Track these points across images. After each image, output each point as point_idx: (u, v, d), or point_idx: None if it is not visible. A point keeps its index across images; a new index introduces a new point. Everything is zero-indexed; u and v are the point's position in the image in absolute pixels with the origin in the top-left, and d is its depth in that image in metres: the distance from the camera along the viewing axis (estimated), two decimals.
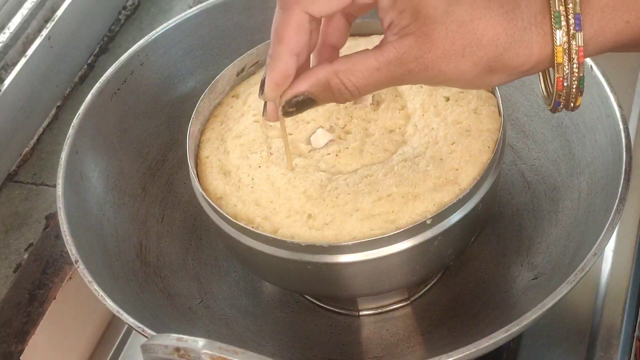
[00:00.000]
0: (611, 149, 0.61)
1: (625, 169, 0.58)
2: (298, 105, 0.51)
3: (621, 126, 0.60)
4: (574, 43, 0.47)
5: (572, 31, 0.47)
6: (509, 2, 0.47)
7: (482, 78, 0.49)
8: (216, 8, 0.72)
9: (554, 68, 0.48)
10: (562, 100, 0.50)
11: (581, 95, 0.49)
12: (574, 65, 0.48)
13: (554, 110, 0.51)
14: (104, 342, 0.76)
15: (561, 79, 0.48)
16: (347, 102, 0.61)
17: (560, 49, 0.47)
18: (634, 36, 0.48)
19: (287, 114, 0.52)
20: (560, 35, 0.47)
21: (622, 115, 0.61)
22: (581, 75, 0.48)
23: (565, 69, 0.48)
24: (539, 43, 0.47)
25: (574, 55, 0.47)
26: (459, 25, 0.47)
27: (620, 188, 0.57)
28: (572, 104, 0.50)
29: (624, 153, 0.59)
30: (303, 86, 0.50)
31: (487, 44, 0.47)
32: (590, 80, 0.63)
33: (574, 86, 0.49)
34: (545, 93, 0.51)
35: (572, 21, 0.47)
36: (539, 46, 0.47)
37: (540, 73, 0.50)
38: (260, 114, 0.62)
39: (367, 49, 0.49)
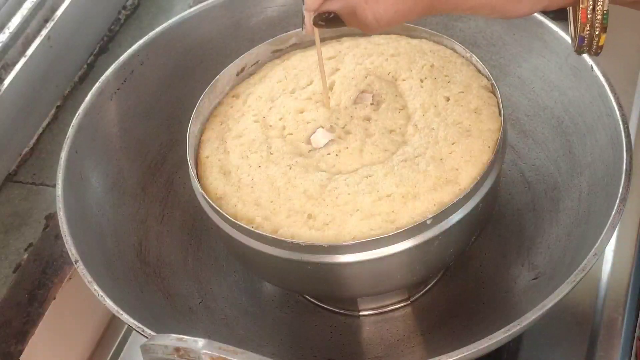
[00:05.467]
0: (611, 148, 0.61)
1: (626, 169, 0.58)
2: (328, 21, 0.54)
3: (621, 126, 0.60)
4: None
5: None
6: None
7: (508, 4, 0.50)
8: (216, 8, 0.72)
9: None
10: (587, 35, 0.50)
11: (605, 33, 0.50)
12: None
13: (579, 48, 0.52)
14: (104, 342, 0.76)
15: (585, 10, 0.49)
16: (347, 102, 0.61)
17: None
18: None
19: (317, 25, 0.55)
20: None
21: (622, 115, 0.61)
22: (605, 9, 0.49)
23: (589, 1, 0.49)
24: None
25: None
26: None
27: (620, 188, 0.57)
28: (595, 43, 0.51)
29: (625, 153, 0.59)
30: (334, 6, 0.53)
31: None
32: (591, 80, 0.63)
33: (598, 20, 0.49)
34: (572, 33, 0.52)
35: None
36: None
37: (571, 10, 0.51)
38: (259, 114, 0.62)
39: None
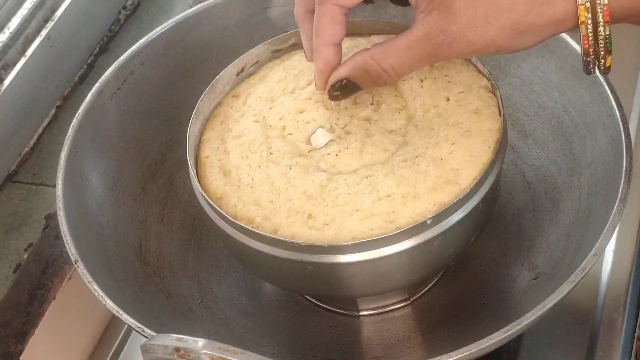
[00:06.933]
0: (611, 148, 0.61)
1: (626, 169, 0.58)
2: (342, 89, 0.56)
3: (621, 126, 0.60)
4: (599, 1, 0.47)
5: None
6: None
7: (512, 41, 0.50)
8: (216, 8, 0.72)
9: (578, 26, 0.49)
10: (591, 59, 0.50)
11: (610, 55, 0.50)
12: (599, 23, 0.48)
13: (586, 70, 0.51)
14: (104, 342, 0.76)
15: (586, 37, 0.49)
16: (347, 102, 0.61)
17: (583, 7, 0.48)
18: None
19: (333, 97, 0.57)
20: None
21: (622, 115, 0.61)
22: (607, 34, 0.48)
23: (588, 28, 0.48)
24: (562, 0, 0.48)
25: (599, 14, 0.48)
26: None
27: (620, 188, 0.57)
28: (602, 65, 0.50)
29: (625, 153, 0.59)
30: (344, 71, 0.55)
31: (508, 7, 0.48)
32: (591, 80, 0.63)
33: (601, 45, 0.49)
34: (581, 54, 0.52)
35: None
36: (562, 3, 0.48)
37: (580, 31, 0.50)
38: (259, 114, 0.62)
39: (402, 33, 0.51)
